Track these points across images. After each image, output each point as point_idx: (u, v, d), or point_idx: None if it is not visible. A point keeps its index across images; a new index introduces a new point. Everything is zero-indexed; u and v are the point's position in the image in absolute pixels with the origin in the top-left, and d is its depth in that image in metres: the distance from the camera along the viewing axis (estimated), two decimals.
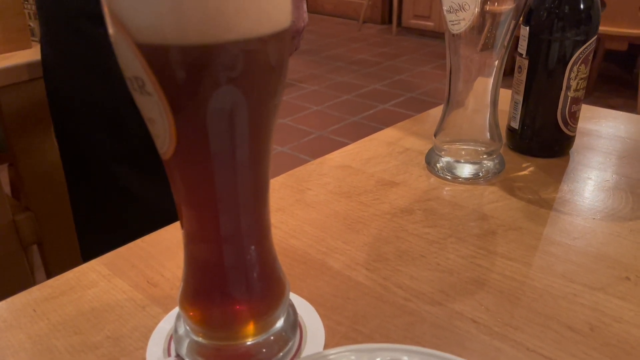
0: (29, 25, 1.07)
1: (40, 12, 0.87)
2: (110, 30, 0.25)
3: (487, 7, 0.51)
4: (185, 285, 0.32)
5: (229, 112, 0.26)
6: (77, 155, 0.92)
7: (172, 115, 0.26)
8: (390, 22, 4.72)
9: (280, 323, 0.34)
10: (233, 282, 0.32)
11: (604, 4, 2.60)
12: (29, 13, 1.08)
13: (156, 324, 0.36)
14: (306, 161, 0.57)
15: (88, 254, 1.00)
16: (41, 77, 0.93)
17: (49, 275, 1.35)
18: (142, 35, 0.24)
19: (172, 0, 0.23)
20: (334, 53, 4.02)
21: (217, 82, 0.25)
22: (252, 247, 0.31)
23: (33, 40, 1.06)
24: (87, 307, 0.38)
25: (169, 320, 0.36)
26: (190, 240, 0.31)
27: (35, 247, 1.38)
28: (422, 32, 4.41)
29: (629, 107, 2.89)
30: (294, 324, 0.35)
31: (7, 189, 1.60)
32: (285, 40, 0.27)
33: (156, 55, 0.24)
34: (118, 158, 0.87)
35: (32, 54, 1.02)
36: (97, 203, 0.94)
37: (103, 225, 0.94)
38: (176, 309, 0.36)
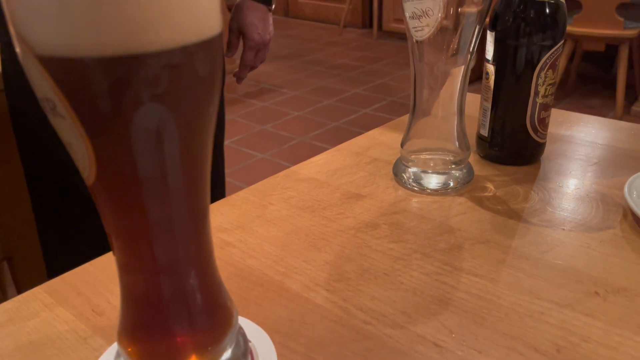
0: None
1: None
2: (15, 44, 0.22)
3: (451, 13, 0.49)
4: (122, 319, 0.30)
5: (154, 132, 0.24)
6: (40, 167, 0.89)
7: (88, 139, 0.23)
8: (370, 26, 4.72)
9: (227, 354, 0.31)
10: (173, 314, 0.30)
11: (580, 5, 2.62)
12: None
13: (97, 357, 0.34)
14: (287, 168, 0.56)
15: (53, 271, 0.96)
16: (2, 90, 0.90)
17: (20, 291, 1.31)
18: (48, 48, 0.21)
19: (86, 5, 0.21)
20: (314, 58, 4.01)
21: (138, 100, 0.23)
22: (192, 276, 0.29)
23: None
24: (25, 340, 0.36)
25: (111, 353, 0.34)
26: (124, 271, 0.29)
27: (4, 263, 1.35)
28: (402, 36, 4.39)
29: (608, 107, 2.91)
30: (245, 354, 0.33)
31: None
32: (215, 49, 0.25)
33: (66, 72, 0.22)
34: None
35: None
36: (60, 217, 0.91)
37: (67, 239, 0.91)
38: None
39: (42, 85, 0.22)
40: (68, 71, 0.22)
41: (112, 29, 0.21)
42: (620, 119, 2.70)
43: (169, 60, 0.23)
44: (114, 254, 0.29)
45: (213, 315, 0.31)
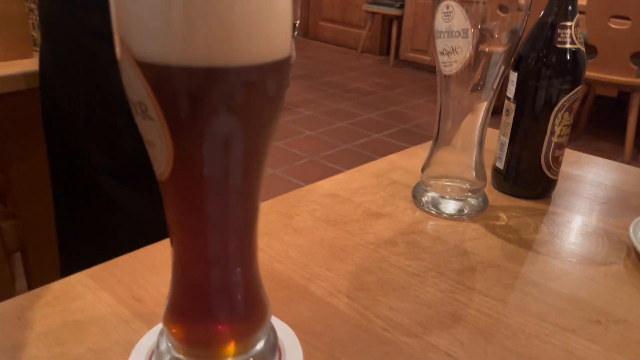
0: (32, 35, 1.09)
1: (43, 24, 0.88)
2: (117, 51, 0.26)
3: (479, 51, 0.53)
4: (170, 302, 0.33)
5: (225, 139, 0.28)
6: (65, 164, 0.92)
7: (171, 140, 0.27)
8: (388, 53, 4.80)
9: (260, 345, 0.35)
10: (217, 302, 0.33)
11: (595, 51, 2.67)
12: (32, 23, 1.10)
13: (138, 339, 0.37)
14: (297, 185, 0.59)
15: (67, 265, 0.99)
16: (37, 86, 0.94)
17: (30, 284, 1.33)
18: (147, 55, 0.25)
19: (180, 22, 0.24)
20: (330, 80, 4.07)
21: (216, 109, 0.27)
22: (238, 269, 0.33)
23: (35, 50, 1.08)
24: (71, 319, 0.39)
25: (151, 336, 0.37)
26: (179, 260, 0.32)
27: (17, 255, 1.38)
28: (418, 66, 4.48)
29: (617, 152, 2.95)
30: (274, 347, 0.36)
31: None
32: (284, 71, 0.29)
33: (159, 78, 0.26)
34: (106, 170, 0.87)
35: (31, 63, 1.03)
36: (80, 213, 0.93)
37: (84, 236, 0.93)
38: (159, 325, 0.36)
39: (138, 89, 0.26)
40: (160, 77, 0.26)
41: (199, 44, 0.25)
42: (629, 164, 2.73)
43: (245, 77, 0.26)
44: (171, 242, 0.32)
45: (251, 308, 0.34)
